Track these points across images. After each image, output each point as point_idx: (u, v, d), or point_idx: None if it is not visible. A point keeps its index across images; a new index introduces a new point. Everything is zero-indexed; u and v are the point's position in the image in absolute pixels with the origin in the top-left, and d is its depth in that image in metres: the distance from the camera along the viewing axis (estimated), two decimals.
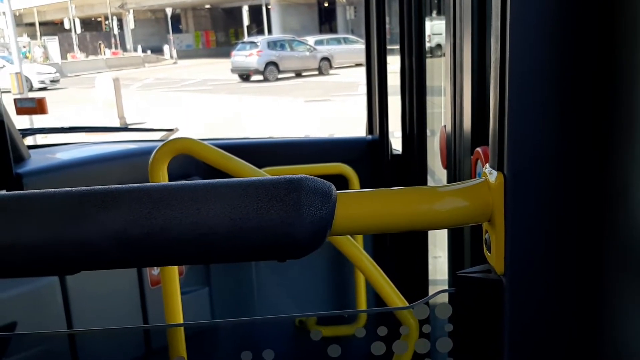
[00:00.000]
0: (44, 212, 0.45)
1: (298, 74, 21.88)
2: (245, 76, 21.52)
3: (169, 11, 42.43)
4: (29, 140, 2.37)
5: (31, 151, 1.95)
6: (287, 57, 21.60)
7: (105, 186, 0.47)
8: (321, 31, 39.98)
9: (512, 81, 0.50)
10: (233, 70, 21.69)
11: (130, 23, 42.12)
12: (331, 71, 22.34)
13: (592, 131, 0.51)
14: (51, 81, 22.28)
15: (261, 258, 0.50)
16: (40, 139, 2.65)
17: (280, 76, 21.30)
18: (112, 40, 45.09)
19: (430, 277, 2.03)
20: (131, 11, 43.33)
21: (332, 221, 0.49)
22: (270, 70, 21.08)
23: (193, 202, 0.46)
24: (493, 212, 0.54)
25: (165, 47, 39.21)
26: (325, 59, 22.41)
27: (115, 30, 43.45)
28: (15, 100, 2.47)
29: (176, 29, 52.41)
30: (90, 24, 57.70)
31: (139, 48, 41.06)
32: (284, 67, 21.42)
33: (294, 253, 0.48)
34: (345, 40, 24.96)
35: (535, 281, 0.54)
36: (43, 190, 0.46)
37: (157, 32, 47.72)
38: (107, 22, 46.93)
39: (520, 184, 0.52)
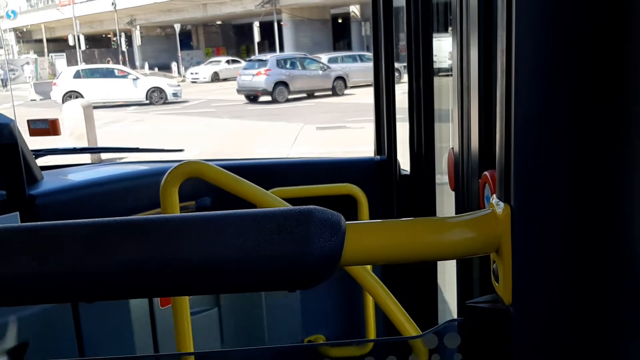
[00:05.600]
0: (62, 243, 0.46)
1: (310, 95, 20.09)
2: (252, 97, 19.74)
3: (177, 27, 41.26)
4: (40, 161, 2.24)
5: (44, 172, 1.95)
6: (298, 76, 19.79)
7: (118, 218, 0.48)
8: (335, 48, 38.67)
9: (517, 115, 0.51)
10: (239, 91, 19.92)
11: (137, 39, 40.89)
12: (346, 91, 20.59)
13: (598, 163, 0.52)
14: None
15: (271, 289, 0.52)
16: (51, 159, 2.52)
17: (290, 97, 19.50)
18: (120, 57, 44.12)
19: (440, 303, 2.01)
20: (138, 27, 42.30)
21: (342, 252, 0.50)
22: (280, 90, 19.27)
23: (206, 234, 0.47)
24: (500, 243, 0.55)
25: (173, 65, 37.86)
26: (340, 78, 20.59)
27: (124, 47, 42.31)
28: (28, 121, 2.42)
29: (187, 46, 51.82)
30: (101, 41, 57.16)
31: (146, 65, 39.88)
32: (295, 87, 19.60)
33: (304, 284, 0.49)
34: (361, 58, 23.27)
35: (543, 311, 0.54)
36: (62, 222, 0.48)
37: (167, 49, 46.93)
38: (114, 39, 46.00)
39: (526, 215, 0.53)
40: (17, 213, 1.67)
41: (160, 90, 20.97)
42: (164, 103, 20.66)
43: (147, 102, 20.73)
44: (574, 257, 0.53)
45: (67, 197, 1.85)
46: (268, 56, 20.66)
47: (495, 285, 0.58)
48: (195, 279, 0.48)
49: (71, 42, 40.92)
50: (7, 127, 1.65)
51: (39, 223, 0.48)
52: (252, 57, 21.88)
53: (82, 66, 25.60)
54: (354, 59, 23.65)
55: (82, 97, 20.44)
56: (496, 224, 0.55)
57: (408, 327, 1.33)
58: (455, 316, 1.66)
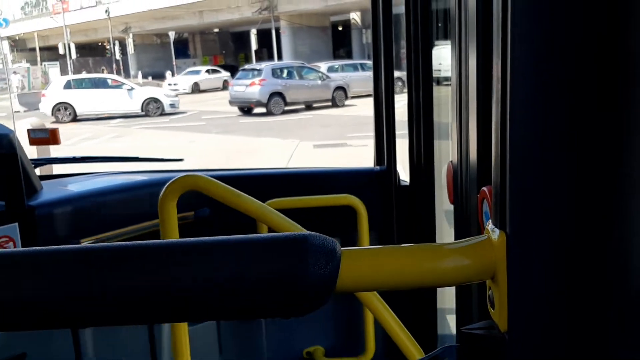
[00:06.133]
0: (54, 270, 0.47)
1: (308, 106, 18.72)
2: (246, 109, 18.35)
3: (171, 35, 40.17)
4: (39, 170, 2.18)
5: (43, 182, 1.95)
6: (294, 86, 18.40)
7: (112, 244, 0.48)
8: (335, 56, 37.59)
9: (512, 142, 0.52)
10: (232, 102, 18.53)
11: (130, 47, 39.83)
12: (347, 102, 19.24)
13: (593, 189, 0.52)
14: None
15: (266, 316, 0.51)
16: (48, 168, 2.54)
17: (287, 108, 18.12)
18: (114, 66, 43.12)
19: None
20: (130, 35, 41.27)
21: (337, 279, 0.50)
22: (275, 102, 17.88)
23: (200, 261, 0.47)
24: (496, 270, 0.55)
25: (168, 73, 36.65)
26: (340, 88, 19.23)
27: (118, 55, 41.26)
28: (28, 130, 2.38)
29: (184, 54, 51.08)
30: (96, 49, 56.27)
31: (139, 74, 38.69)
32: (292, 98, 18.21)
33: (298, 311, 0.49)
34: (362, 67, 21.94)
35: (538, 339, 0.54)
36: (54, 248, 0.48)
37: (162, 57, 46.07)
38: (108, 47, 45.06)
39: (521, 242, 0.53)
40: (16, 224, 1.66)
41: (156, 101, 19.71)
42: (161, 114, 19.45)
43: (143, 113, 19.52)
44: (570, 285, 0.53)
45: (66, 208, 1.83)
46: (262, 65, 19.25)
47: (491, 311, 0.58)
48: (189, 307, 0.47)
49: (61, 51, 39.84)
50: (6, 137, 1.65)
51: (32, 249, 0.48)
52: (246, 66, 20.43)
53: (72, 76, 24.41)
54: (354, 67, 22.31)
55: (72, 108, 19.32)
56: (492, 250, 0.55)
57: (408, 344, 1.30)
58: (454, 334, 1.61)
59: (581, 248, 0.52)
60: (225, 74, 33.30)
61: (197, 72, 32.47)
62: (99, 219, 1.89)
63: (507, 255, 0.53)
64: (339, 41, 40.86)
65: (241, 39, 45.19)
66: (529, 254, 0.53)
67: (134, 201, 1.98)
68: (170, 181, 1.36)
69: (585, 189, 0.51)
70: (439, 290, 1.96)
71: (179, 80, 30.75)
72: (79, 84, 20.13)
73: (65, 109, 19.34)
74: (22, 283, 0.46)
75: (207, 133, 14.34)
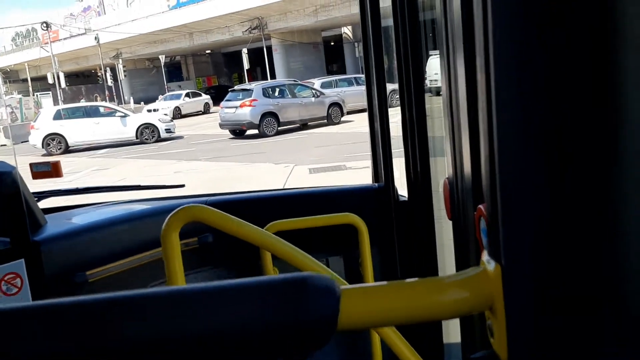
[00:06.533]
0: (64, 322, 0.47)
1: (303, 125, 17.95)
2: (238, 131, 17.56)
3: (162, 58, 39.73)
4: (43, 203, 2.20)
5: (47, 216, 1.96)
6: (288, 105, 17.62)
7: (115, 294, 0.48)
8: (328, 72, 37.06)
9: (502, 173, 0.52)
10: (222, 125, 17.73)
11: (120, 73, 39.38)
12: (344, 118, 18.47)
13: (590, 218, 0.52)
14: None
15: (268, 359, 0.52)
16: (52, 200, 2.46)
17: (281, 128, 17.33)
18: (106, 93, 42.70)
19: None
20: (120, 61, 40.83)
21: (338, 319, 0.50)
22: (268, 122, 17.08)
23: (198, 307, 0.48)
24: (493, 300, 0.56)
25: (160, 97, 36.07)
26: (335, 104, 18.47)
27: (110, 82, 40.82)
28: (31, 164, 2.42)
29: (177, 77, 50.92)
30: (90, 77, 55.99)
31: (131, 100, 38.13)
32: (285, 117, 17.42)
33: (301, 353, 0.49)
34: (357, 81, 21.21)
35: None
36: (64, 300, 0.48)
37: (156, 82, 45.84)
38: (99, 74, 44.69)
39: (517, 273, 0.54)
40: (22, 260, 1.67)
41: (151, 127, 18.97)
42: (157, 140, 18.72)
43: (138, 140, 18.78)
44: (567, 313, 0.53)
45: (70, 242, 1.84)
46: (252, 85, 18.45)
47: (491, 340, 0.59)
48: (189, 354, 0.47)
49: (50, 80, 39.34)
50: (9, 175, 1.67)
51: (34, 303, 0.48)
52: (235, 87, 19.59)
53: (62, 106, 23.65)
54: (349, 82, 21.58)
55: (64, 139, 18.56)
56: (488, 282, 0.55)
57: None
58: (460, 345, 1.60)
59: (577, 275, 0.53)
60: (205, 97, 32.72)
61: (178, 97, 31.62)
62: (104, 251, 1.90)
63: (503, 287, 0.54)
64: (332, 56, 40.84)
65: (234, 59, 44.98)
66: (525, 284, 0.53)
67: (138, 231, 2.00)
68: (172, 213, 1.38)
69: (578, 215, 0.51)
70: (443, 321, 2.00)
71: (159, 106, 29.55)
72: (70, 114, 19.38)
73: (57, 140, 18.61)
74: (29, 338, 0.46)
75: (194, 160, 13.52)
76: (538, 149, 0.51)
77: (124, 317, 0.47)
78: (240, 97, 17.32)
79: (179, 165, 13.03)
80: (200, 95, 32.89)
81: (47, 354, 0.46)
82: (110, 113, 19.58)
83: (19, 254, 1.67)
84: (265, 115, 16.92)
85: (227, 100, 17.61)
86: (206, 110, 31.49)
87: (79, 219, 2.05)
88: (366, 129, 2.24)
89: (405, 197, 2.06)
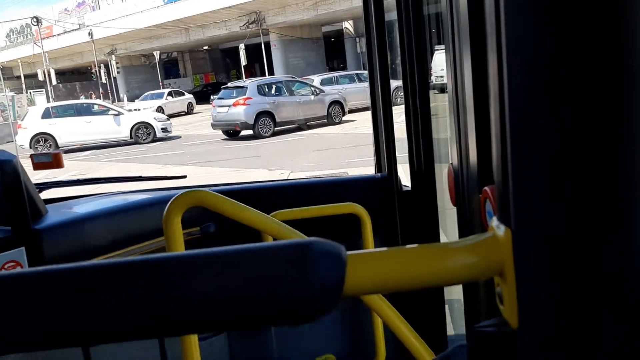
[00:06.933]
0: (60, 287, 0.47)
1: (301, 125, 16.74)
2: (231, 132, 16.36)
3: (156, 54, 38.64)
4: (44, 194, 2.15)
5: (48, 206, 1.96)
6: (284, 103, 16.39)
7: (116, 260, 0.49)
8: (329, 68, 35.95)
9: (513, 135, 0.52)
10: (214, 126, 16.53)
11: (113, 70, 38.34)
12: (345, 117, 17.31)
13: (600, 181, 0.52)
14: None
15: (273, 324, 0.51)
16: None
17: (278, 128, 16.15)
18: (100, 90, 41.71)
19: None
20: (113, 57, 39.81)
21: (343, 284, 0.50)
22: (263, 122, 15.87)
23: (203, 272, 0.48)
24: (503, 266, 0.55)
25: (141, 96, 34.96)
26: (336, 102, 17.27)
27: (104, 79, 39.82)
28: (31, 156, 2.41)
29: (174, 74, 50.02)
30: (85, 74, 55.02)
31: (125, 97, 37.03)
32: (282, 117, 16.20)
33: (307, 318, 0.49)
34: (359, 77, 20.02)
35: (550, 333, 0.55)
36: (60, 266, 0.49)
37: (152, 78, 44.83)
38: (93, 71, 43.70)
39: (528, 237, 0.53)
40: (23, 248, 1.68)
41: (146, 126, 17.77)
42: (153, 140, 17.55)
43: (132, 140, 17.61)
44: (580, 277, 0.53)
45: (71, 230, 1.84)
46: (247, 82, 17.19)
47: (500, 308, 0.58)
48: (195, 319, 0.47)
49: (41, 77, 38.30)
50: (10, 163, 1.68)
51: (31, 269, 0.48)
52: (228, 84, 18.29)
53: (52, 103, 22.43)
54: (350, 79, 20.40)
55: (53, 139, 17.35)
56: (498, 247, 0.55)
57: (419, 347, 1.33)
58: (464, 334, 1.59)
59: (589, 238, 0.52)
60: (188, 96, 31.38)
61: (160, 96, 30.00)
62: (105, 240, 1.89)
63: (514, 251, 0.53)
64: (333, 52, 40.03)
65: (232, 55, 44.25)
66: (536, 248, 0.52)
67: (139, 220, 1.99)
68: (174, 197, 1.36)
69: (588, 180, 0.51)
70: (446, 290, 2.00)
71: (141, 106, 27.85)
72: (60, 112, 18.21)
73: (45, 140, 17.45)
74: (29, 303, 0.46)
75: (181, 165, 12.31)
76: (552, 129, 0.51)
77: (127, 283, 0.46)
78: (234, 95, 16.11)
79: (163, 170, 11.82)
80: (183, 94, 31.50)
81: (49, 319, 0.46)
82: (103, 111, 18.42)
83: (19, 242, 1.68)
84: (260, 114, 15.71)
85: (220, 98, 16.38)
86: (189, 110, 30.08)
87: (80, 208, 2.04)
88: (370, 130, 2.17)
89: (408, 186, 2.08)
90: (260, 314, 0.47)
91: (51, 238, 1.74)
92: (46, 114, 18.00)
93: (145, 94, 31.75)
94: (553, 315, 0.53)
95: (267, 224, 1.32)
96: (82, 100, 24.81)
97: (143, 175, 2.60)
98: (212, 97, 19.04)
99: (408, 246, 0.56)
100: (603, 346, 0.54)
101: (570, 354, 0.54)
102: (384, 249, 0.55)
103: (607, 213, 0.51)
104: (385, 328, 2.02)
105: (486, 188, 0.88)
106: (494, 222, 0.57)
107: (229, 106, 15.70)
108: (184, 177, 2.78)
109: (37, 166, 2.36)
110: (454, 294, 1.99)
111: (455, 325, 2.02)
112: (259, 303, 0.47)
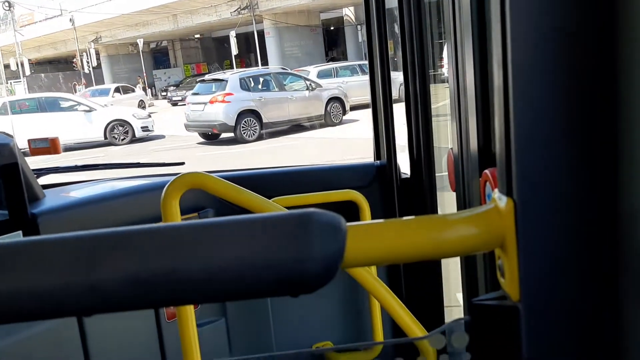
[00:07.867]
0: (55, 256, 0.47)
1: (294, 127, 14.06)
2: (210, 133, 13.63)
3: (140, 42, 35.98)
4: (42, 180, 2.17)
5: (45, 191, 1.97)
6: (273, 100, 13.69)
7: (114, 229, 0.49)
8: (329, 58, 33.37)
9: (516, 107, 0.53)
10: (188, 127, 13.79)
11: (93, 59, 35.64)
12: (346, 117, 14.74)
13: (601, 152, 0.53)
14: None
15: (273, 294, 0.52)
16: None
17: (265, 130, 13.46)
18: (83, 80, 39.09)
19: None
20: (92, 45, 37.13)
21: (343, 254, 0.51)
22: (247, 124, 13.14)
23: (203, 242, 0.48)
24: (505, 238, 0.55)
25: (138, 86, 32.15)
26: (335, 98, 14.65)
27: (86, 69, 37.17)
28: (29, 141, 2.44)
29: (164, 63, 47.51)
30: (69, 63, 52.35)
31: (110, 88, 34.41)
32: (269, 117, 13.50)
33: (306, 288, 0.50)
34: (362, 69, 17.41)
35: (552, 306, 0.55)
36: (54, 235, 0.49)
37: (140, 68, 41.87)
38: (74, 60, 41.04)
39: (530, 208, 0.54)
40: (20, 232, 1.71)
41: (123, 124, 15.18)
42: (131, 141, 14.97)
43: (107, 141, 15.03)
44: (582, 249, 0.53)
45: (69, 215, 1.86)
46: (227, 74, 14.45)
47: (501, 281, 0.58)
48: (193, 289, 0.47)
49: (13, 67, 35.66)
50: (7, 146, 1.69)
51: (27, 238, 0.49)
52: (205, 77, 15.52)
53: (9, 97, 19.68)
54: (352, 70, 17.88)
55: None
56: (499, 218, 0.55)
57: (414, 328, 1.35)
58: (462, 314, 1.64)
59: (591, 211, 0.53)
60: (140, 93, 28.32)
61: (106, 92, 26.64)
62: (103, 224, 1.83)
63: (516, 222, 0.53)
64: (332, 41, 37.64)
65: (224, 44, 41.56)
66: (539, 219, 0.53)
67: (137, 205, 1.99)
68: (172, 179, 1.37)
69: (591, 152, 0.52)
70: (443, 265, 2.03)
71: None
72: (16, 109, 15.50)
73: None
74: (24, 271, 0.46)
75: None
76: (553, 105, 0.52)
77: (127, 253, 0.46)
78: (213, 90, 13.39)
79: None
80: (133, 90, 28.30)
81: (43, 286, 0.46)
82: (72, 107, 15.79)
83: (16, 226, 1.69)
84: (243, 114, 13.04)
85: (195, 94, 13.64)
86: (141, 108, 27.01)
87: (78, 193, 2.05)
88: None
89: (407, 174, 2.10)
90: (260, 284, 0.47)
91: (48, 222, 1.74)
92: (2, 110, 15.29)
93: (88, 89, 28.60)
94: (556, 288, 0.53)
95: (267, 207, 1.35)
96: (47, 93, 21.85)
97: (140, 162, 2.61)
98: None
99: (407, 217, 0.56)
100: (605, 318, 0.53)
101: (573, 327, 0.54)
102: (384, 220, 0.54)
103: (610, 181, 0.52)
104: (384, 315, 2.03)
105: (486, 171, 0.88)
106: (496, 194, 0.56)
107: (205, 103, 12.95)
108: (182, 164, 2.78)
109: (34, 152, 2.38)
110: (452, 269, 1.93)
111: (453, 300, 2.00)
112: (259, 273, 0.46)
